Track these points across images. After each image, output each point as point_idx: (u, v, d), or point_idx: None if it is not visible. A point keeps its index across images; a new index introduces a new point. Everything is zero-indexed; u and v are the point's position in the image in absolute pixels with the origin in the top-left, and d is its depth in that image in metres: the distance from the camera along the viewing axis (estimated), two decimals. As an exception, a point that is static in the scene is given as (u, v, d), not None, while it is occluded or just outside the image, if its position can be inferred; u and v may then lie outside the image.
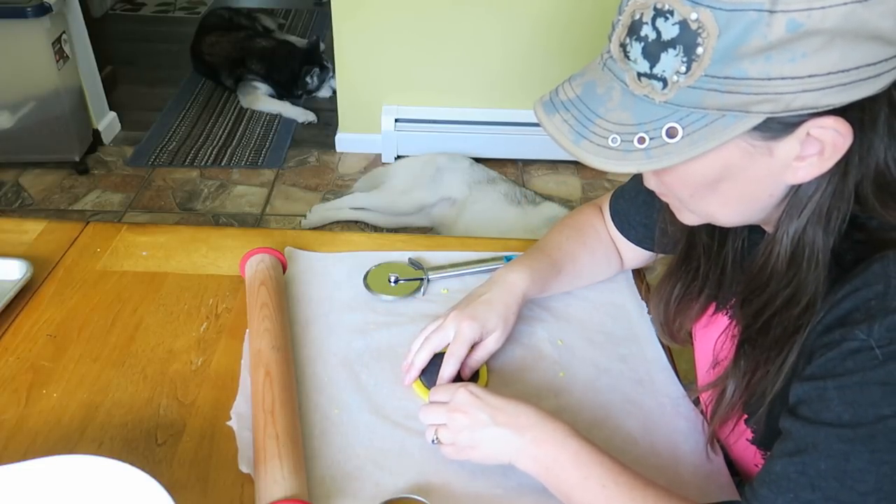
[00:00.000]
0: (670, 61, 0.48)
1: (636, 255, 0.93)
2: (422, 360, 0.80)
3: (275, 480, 0.65)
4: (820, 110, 0.47)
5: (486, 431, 0.68)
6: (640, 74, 0.50)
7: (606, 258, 0.93)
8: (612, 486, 0.63)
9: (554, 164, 2.77)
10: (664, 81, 0.49)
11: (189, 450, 0.73)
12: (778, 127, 0.49)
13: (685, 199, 0.59)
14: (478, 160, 2.55)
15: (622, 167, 0.51)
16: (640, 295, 0.95)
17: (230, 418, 0.76)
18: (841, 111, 0.48)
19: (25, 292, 0.91)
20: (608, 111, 0.52)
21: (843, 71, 0.46)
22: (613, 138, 0.51)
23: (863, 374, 0.51)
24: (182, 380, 0.81)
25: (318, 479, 0.70)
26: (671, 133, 0.49)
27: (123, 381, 0.81)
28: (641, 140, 0.50)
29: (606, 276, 0.96)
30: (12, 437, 0.74)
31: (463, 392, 0.71)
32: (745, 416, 0.67)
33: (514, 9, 2.50)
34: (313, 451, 0.73)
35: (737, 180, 0.54)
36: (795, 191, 0.54)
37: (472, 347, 0.80)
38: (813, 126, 0.49)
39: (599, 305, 0.94)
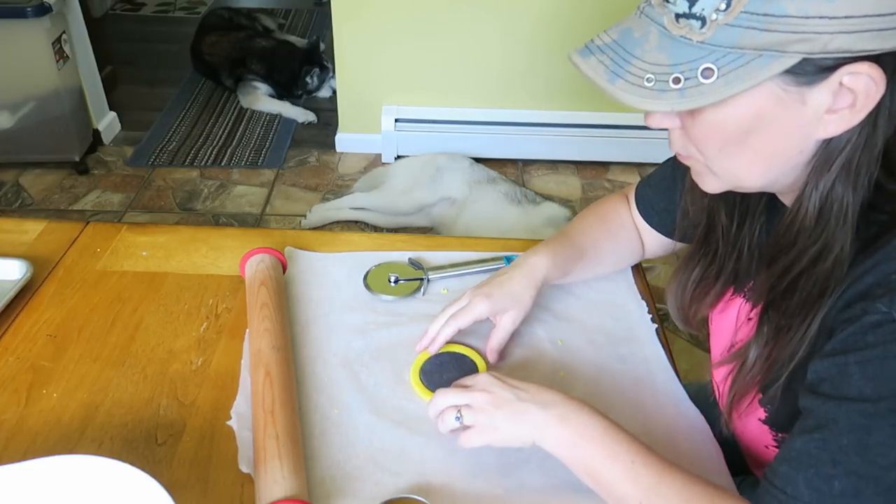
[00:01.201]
0: None
1: (657, 243, 0.93)
2: (435, 328, 0.83)
3: (275, 480, 0.65)
4: (855, 55, 0.48)
5: (510, 407, 0.68)
6: (678, 15, 0.51)
7: (629, 245, 0.94)
8: (641, 463, 0.63)
9: (554, 164, 2.77)
10: (703, 20, 0.49)
11: (189, 450, 0.73)
12: (813, 70, 0.49)
13: (713, 154, 0.58)
14: (478, 160, 2.55)
15: (656, 105, 0.52)
16: (640, 295, 0.95)
17: (230, 418, 0.76)
18: (875, 59, 0.48)
19: (25, 292, 0.91)
20: (645, 52, 0.53)
21: (879, 15, 0.46)
22: (649, 78, 0.52)
23: (884, 348, 0.51)
24: (182, 380, 0.81)
25: (318, 479, 0.70)
26: (706, 74, 0.50)
27: (123, 381, 0.81)
28: (676, 80, 0.51)
29: (629, 263, 0.98)
30: (12, 437, 0.74)
31: (485, 375, 0.72)
32: (760, 395, 0.67)
33: (514, 8, 2.50)
34: (313, 451, 0.73)
35: (767, 132, 0.54)
36: (826, 145, 0.54)
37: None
38: (846, 72, 0.49)
39: (599, 305, 0.94)
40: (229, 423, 0.76)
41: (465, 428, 0.70)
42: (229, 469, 0.71)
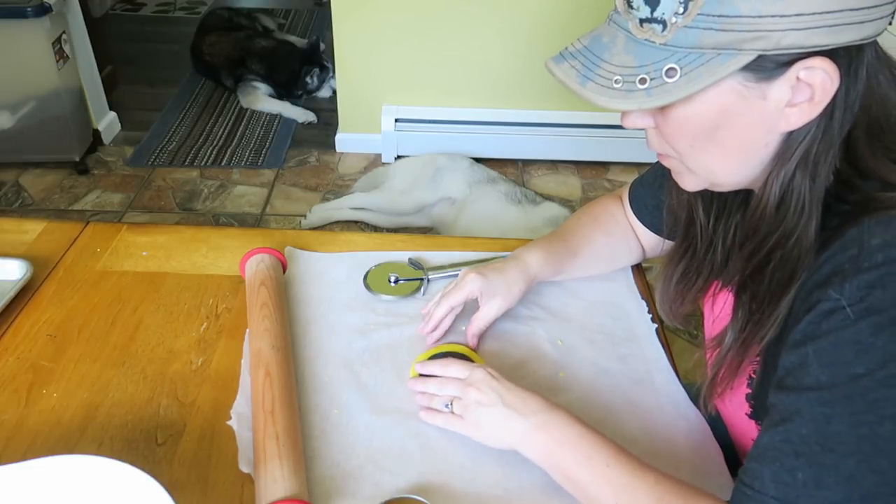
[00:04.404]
0: (669, 3, 0.51)
1: (651, 242, 0.94)
2: (435, 305, 0.87)
3: (275, 480, 0.65)
4: (808, 50, 0.50)
5: (494, 409, 0.71)
6: (641, 20, 0.53)
7: (626, 243, 0.96)
8: (615, 464, 0.65)
9: (554, 164, 2.77)
10: (664, 24, 0.52)
11: (189, 450, 0.73)
12: (770, 65, 0.52)
13: (685, 151, 0.60)
14: (478, 160, 2.55)
15: (624, 105, 0.54)
16: (640, 295, 0.95)
17: (230, 418, 0.76)
18: (829, 55, 0.50)
19: (25, 292, 0.91)
20: (613, 56, 0.55)
21: (828, 12, 0.48)
22: (617, 79, 0.54)
23: (836, 335, 0.52)
24: (182, 380, 0.81)
25: (318, 479, 0.70)
26: (670, 73, 0.53)
27: (123, 381, 0.81)
28: (643, 81, 0.53)
29: (629, 261, 0.99)
30: (12, 437, 0.74)
31: (480, 370, 0.75)
32: (749, 390, 0.68)
33: (514, 9, 2.50)
34: (313, 451, 0.73)
35: (733, 127, 0.56)
36: (787, 137, 0.56)
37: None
38: (802, 67, 0.51)
39: (599, 305, 0.94)
40: (229, 423, 0.76)
41: (451, 413, 0.74)
42: (229, 469, 0.71)
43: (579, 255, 0.93)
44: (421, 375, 0.80)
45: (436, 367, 0.79)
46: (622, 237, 0.95)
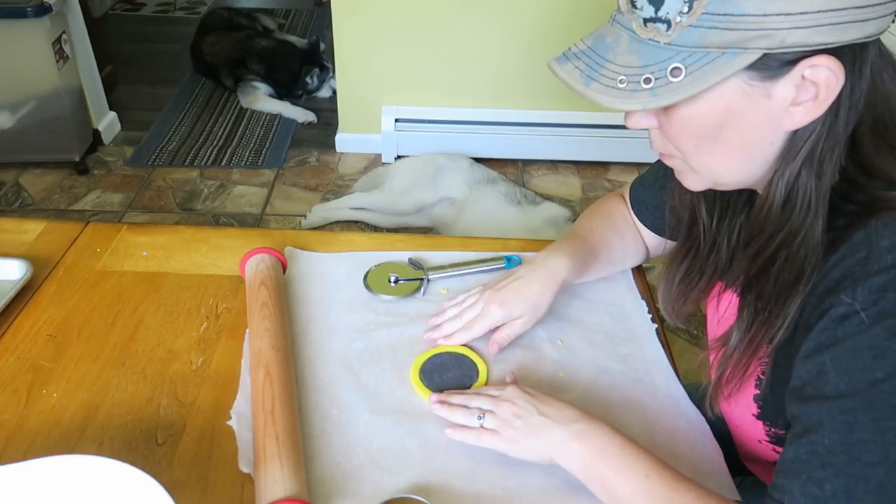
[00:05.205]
0: (674, 3, 0.51)
1: (653, 242, 0.94)
2: (451, 328, 0.86)
3: (275, 480, 0.65)
4: (812, 48, 0.50)
5: (530, 419, 0.70)
6: (646, 20, 0.53)
7: (635, 243, 0.95)
8: (657, 477, 0.64)
9: (554, 164, 2.77)
10: (668, 23, 0.52)
11: (189, 450, 0.73)
12: (775, 64, 0.51)
13: (689, 151, 0.60)
14: (478, 160, 2.55)
15: (629, 105, 0.54)
16: (640, 295, 0.95)
17: (230, 418, 0.76)
18: (833, 52, 0.50)
19: (25, 292, 0.91)
20: (617, 56, 0.55)
21: (832, 10, 0.48)
22: (621, 79, 0.54)
23: (853, 340, 0.52)
24: (182, 380, 0.81)
25: (318, 479, 0.70)
26: (675, 73, 0.52)
27: (123, 381, 0.81)
28: (647, 80, 0.53)
29: (634, 262, 0.98)
30: (12, 437, 0.74)
31: (513, 387, 0.74)
32: (757, 391, 0.67)
33: (514, 8, 2.50)
34: (313, 451, 0.73)
35: (738, 126, 0.56)
36: (792, 135, 0.56)
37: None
38: (807, 66, 0.51)
39: (599, 305, 0.94)
40: (229, 423, 0.76)
41: (482, 428, 0.72)
42: (229, 469, 0.71)
43: (599, 258, 0.92)
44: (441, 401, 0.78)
45: (465, 397, 0.76)
46: (632, 238, 0.95)
